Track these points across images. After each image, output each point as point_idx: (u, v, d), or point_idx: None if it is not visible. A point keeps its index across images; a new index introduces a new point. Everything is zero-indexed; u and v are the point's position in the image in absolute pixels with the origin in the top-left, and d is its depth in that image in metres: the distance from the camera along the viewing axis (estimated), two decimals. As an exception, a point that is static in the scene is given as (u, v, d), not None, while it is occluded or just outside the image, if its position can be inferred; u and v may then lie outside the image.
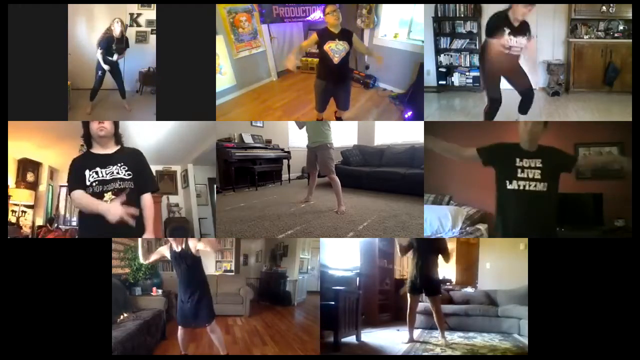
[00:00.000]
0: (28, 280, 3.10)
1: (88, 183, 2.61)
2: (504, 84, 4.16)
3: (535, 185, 2.69)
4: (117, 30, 4.72)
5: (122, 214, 2.45)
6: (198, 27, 3.70)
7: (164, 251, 3.31)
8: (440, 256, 4.24)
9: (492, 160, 2.82)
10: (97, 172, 2.64)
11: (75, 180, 2.64)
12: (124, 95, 5.00)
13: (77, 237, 3.02)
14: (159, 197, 6.62)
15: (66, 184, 5.24)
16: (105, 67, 4.76)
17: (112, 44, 4.74)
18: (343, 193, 5.12)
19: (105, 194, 2.58)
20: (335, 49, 4.21)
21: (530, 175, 2.71)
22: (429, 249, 4.19)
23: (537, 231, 2.78)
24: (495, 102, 4.14)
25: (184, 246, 3.24)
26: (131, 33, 5.37)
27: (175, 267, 3.32)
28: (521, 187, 2.71)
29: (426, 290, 4.18)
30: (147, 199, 2.77)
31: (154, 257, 3.41)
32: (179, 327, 3.39)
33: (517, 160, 2.73)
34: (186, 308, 3.26)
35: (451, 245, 5.93)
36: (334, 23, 4.18)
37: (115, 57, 4.81)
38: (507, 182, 2.74)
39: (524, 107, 4.21)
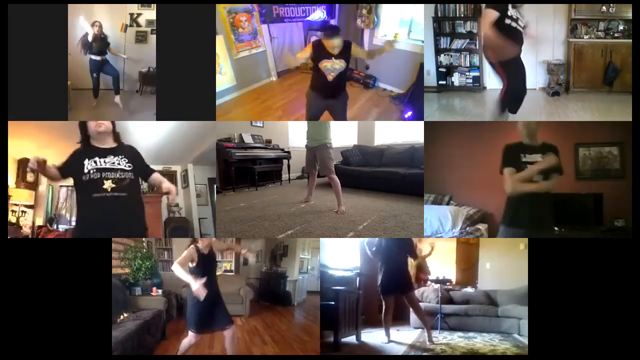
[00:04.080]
0: (28, 280, 3.09)
1: (86, 171, 2.66)
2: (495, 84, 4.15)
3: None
4: (95, 32, 4.92)
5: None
6: (198, 27, 3.70)
7: (193, 256, 2.93)
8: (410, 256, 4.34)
9: (506, 163, 2.84)
10: (95, 162, 2.69)
11: (73, 167, 2.70)
12: (117, 91, 5.16)
13: (73, 236, 2.99)
14: (158, 197, 6.62)
15: (66, 185, 5.21)
16: (96, 58, 5.03)
17: (93, 45, 4.97)
18: (343, 193, 5.11)
19: (105, 182, 2.65)
20: (331, 68, 3.97)
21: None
22: (395, 250, 4.24)
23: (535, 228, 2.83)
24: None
25: (210, 248, 3.03)
26: (131, 33, 5.40)
27: (201, 272, 2.93)
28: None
29: (399, 288, 4.23)
30: (155, 175, 2.95)
31: (185, 268, 2.91)
32: (192, 335, 2.97)
33: (522, 156, 2.80)
34: (207, 313, 2.94)
35: (450, 245, 5.98)
36: (332, 47, 3.89)
37: (98, 57, 5.01)
38: None
39: (514, 106, 4.18)
